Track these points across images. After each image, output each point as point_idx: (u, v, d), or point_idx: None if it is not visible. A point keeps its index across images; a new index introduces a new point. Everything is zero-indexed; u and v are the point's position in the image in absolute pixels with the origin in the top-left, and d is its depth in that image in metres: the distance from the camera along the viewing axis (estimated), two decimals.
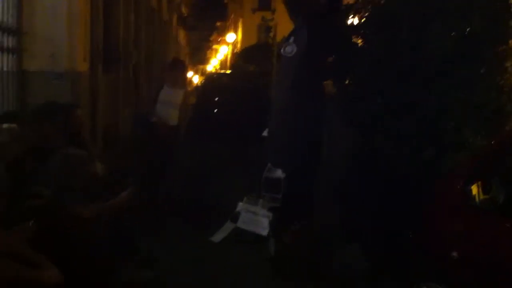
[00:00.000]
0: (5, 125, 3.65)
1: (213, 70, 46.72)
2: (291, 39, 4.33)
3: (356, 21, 5.13)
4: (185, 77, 7.15)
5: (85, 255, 3.15)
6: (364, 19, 4.72)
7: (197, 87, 14.90)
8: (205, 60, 61.81)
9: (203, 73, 53.28)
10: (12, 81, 5.49)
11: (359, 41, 5.03)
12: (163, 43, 18.99)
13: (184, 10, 30.03)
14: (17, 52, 5.58)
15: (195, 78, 39.93)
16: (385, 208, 3.99)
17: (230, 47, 41.79)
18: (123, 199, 3.87)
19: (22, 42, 5.66)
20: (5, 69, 5.31)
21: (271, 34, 9.80)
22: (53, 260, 2.69)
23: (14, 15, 5.48)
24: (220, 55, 49.30)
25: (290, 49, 4.36)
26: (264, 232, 4.88)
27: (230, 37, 40.17)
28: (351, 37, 5.01)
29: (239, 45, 36.63)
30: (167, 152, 6.51)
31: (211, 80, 15.43)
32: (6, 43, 5.30)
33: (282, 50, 4.60)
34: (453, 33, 3.77)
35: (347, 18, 4.94)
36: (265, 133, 6.06)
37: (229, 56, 43.22)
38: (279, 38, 10.24)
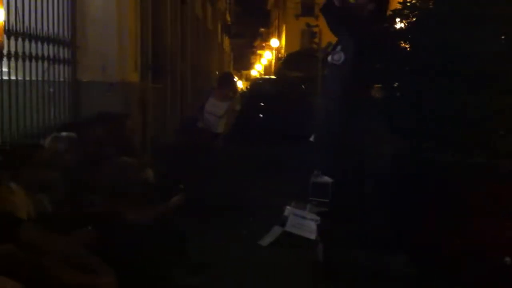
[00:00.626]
0: (63, 134, 3.82)
1: (257, 76, 47.05)
2: (339, 48, 4.35)
3: (399, 26, 5.12)
4: (234, 91, 7.42)
5: (138, 260, 3.25)
6: (412, 24, 4.71)
7: (243, 93, 15.05)
8: (248, 66, 62.28)
9: (247, 78, 53.73)
10: (66, 91, 5.71)
11: (406, 46, 5.01)
12: (208, 51, 19.27)
13: (228, 18, 30.38)
14: (71, 63, 5.81)
15: (239, 84, 40.28)
16: (431, 213, 3.95)
17: (274, 52, 42.00)
18: (174, 204, 3.98)
19: (75, 54, 5.89)
20: (60, 79, 5.53)
21: (316, 40, 9.80)
22: (108, 265, 2.80)
23: (67, 28, 5.71)
24: (263, 61, 49.64)
25: (338, 57, 4.38)
26: (312, 235, 4.90)
27: (274, 42, 40.36)
28: (398, 42, 5.00)
29: (282, 51, 36.76)
30: (211, 157, 6.73)
31: (256, 85, 15.57)
32: (61, 55, 5.52)
33: (330, 58, 4.62)
34: (505, 36, 3.70)
35: (394, 23, 4.93)
36: (312, 139, 6.09)
37: (273, 62, 43.43)
38: (323, 43, 10.23)
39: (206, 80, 17.79)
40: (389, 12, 4.92)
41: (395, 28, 4.98)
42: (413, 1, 4.76)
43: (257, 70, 54.83)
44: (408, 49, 4.96)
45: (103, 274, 2.67)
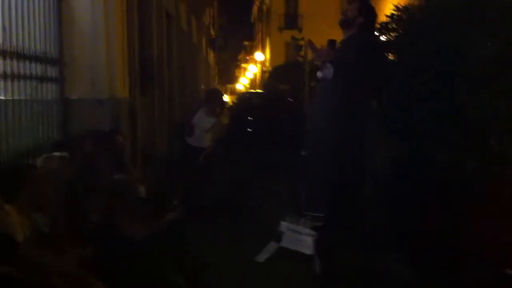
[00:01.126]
0: (56, 153, 3.78)
1: (243, 90, 47.14)
2: (329, 64, 4.43)
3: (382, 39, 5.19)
4: (221, 106, 7.41)
5: (136, 275, 3.22)
6: (398, 35, 4.76)
7: (230, 107, 15.04)
8: (233, 79, 62.44)
9: (232, 92, 53.82)
10: (55, 109, 5.66)
11: (392, 56, 5.06)
12: (194, 64, 19.30)
13: (212, 32, 30.49)
14: (59, 81, 5.76)
15: (224, 98, 40.23)
16: (431, 215, 3.97)
17: (259, 65, 42.14)
18: (169, 221, 3.96)
19: (63, 72, 5.85)
20: (49, 98, 5.48)
21: (302, 53, 9.86)
22: (106, 282, 2.78)
23: (55, 45, 5.67)
24: (249, 74, 49.80)
25: (328, 73, 4.46)
26: (308, 250, 4.88)
27: (258, 56, 40.52)
28: (384, 52, 5.05)
29: (267, 64, 36.91)
30: (200, 171, 6.73)
31: (244, 100, 15.61)
32: (49, 73, 5.48)
33: (319, 74, 4.69)
34: (498, 40, 3.72)
35: (380, 36, 5.00)
36: (303, 153, 6.09)
37: (258, 75, 43.59)
38: (309, 56, 10.25)
39: (193, 93, 17.80)
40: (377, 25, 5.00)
41: (383, 40, 5.04)
42: (400, 14, 4.81)
43: (242, 84, 54.95)
44: (395, 57, 4.99)
45: None
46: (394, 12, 4.82)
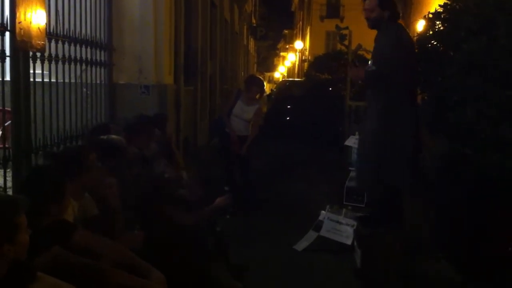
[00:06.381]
0: (114, 137, 3.84)
1: (280, 78, 46.98)
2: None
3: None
4: (261, 92, 7.20)
5: (185, 261, 3.26)
6: (451, 27, 4.62)
7: (269, 95, 14.97)
8: (272, 68, 62.31)
9: (270, 80, 53.73)
10: (104, 93, 5.79)
11: (442, 48, 4.93)
12: (235, 53, 19.34)
13: (254, 20, 30.43)
14: (108, 66, 5.88)
15: (264, 84, 40.12)
16: (480, 218, 3.89)
17: (298, 54, 41.89)
18: (218, 206, 4.00)
19: (112, 57, 5.97)
20: (98, 81, 5.60)
21: (346, 42, 9.74)
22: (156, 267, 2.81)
23: (104, 31, 5.79)
24: (287, 63, 49.61)
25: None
26: (348, 241, 4.87)
27: (298, 44, 40.28)
28: (438, 45, 4.91)
29: (307, 53, 36.66)
30: (240, 160, 6.66)
31: (284, 88, 15.52)
32: (98, 57, 5.59)
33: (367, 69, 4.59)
34: None
35: (434, 26, 4.86)
36: (348, 143, 6.05)
37: (296, 64, 43.36)
38: (353, 46, 10.14)
39: (233, 81, 17.86)
40: (429, 15, 4.88)
41: (434, 29, 4.90)
42: (454, 4, 4.67)
43: (280, 72, 54.81)
44: (446, 50, 4.85)
45: (153, 276, 2.68)
46: (447, 1, 4.67)
